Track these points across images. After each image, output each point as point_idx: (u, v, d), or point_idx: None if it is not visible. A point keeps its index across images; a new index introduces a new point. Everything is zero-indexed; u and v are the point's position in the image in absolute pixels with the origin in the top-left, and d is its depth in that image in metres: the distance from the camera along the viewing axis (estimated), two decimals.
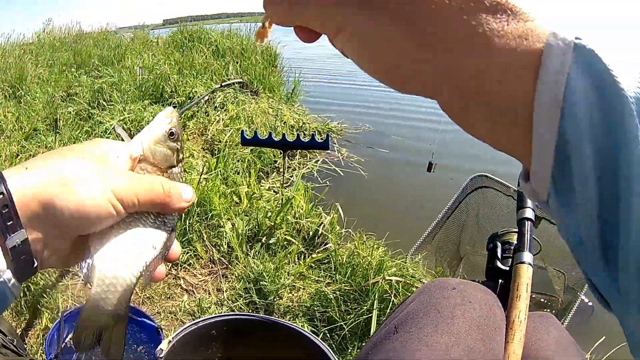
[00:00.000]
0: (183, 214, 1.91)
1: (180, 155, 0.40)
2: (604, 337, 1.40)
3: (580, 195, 0.22)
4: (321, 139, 2.02)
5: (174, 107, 3.66)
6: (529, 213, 0.82)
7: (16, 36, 6.48)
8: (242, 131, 2.11)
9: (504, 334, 0.53)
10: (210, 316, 1.03)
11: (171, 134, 0.38)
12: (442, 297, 0.53)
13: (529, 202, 0.84)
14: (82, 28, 7.22)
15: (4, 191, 0.29)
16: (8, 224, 0.29)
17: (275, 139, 2.07)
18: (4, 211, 0.29)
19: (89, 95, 3.87)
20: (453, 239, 1.69)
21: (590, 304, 1.54)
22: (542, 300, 1.51)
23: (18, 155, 2.90)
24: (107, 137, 2.91)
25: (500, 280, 0.77)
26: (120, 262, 0.35)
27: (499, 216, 1.62)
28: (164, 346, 0.92)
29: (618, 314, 0.23)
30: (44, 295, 1.47)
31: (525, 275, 0.68)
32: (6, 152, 2.90)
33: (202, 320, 1.01)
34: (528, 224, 0.80)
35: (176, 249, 0.39)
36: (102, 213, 0.33)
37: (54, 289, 1.53)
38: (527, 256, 0.72)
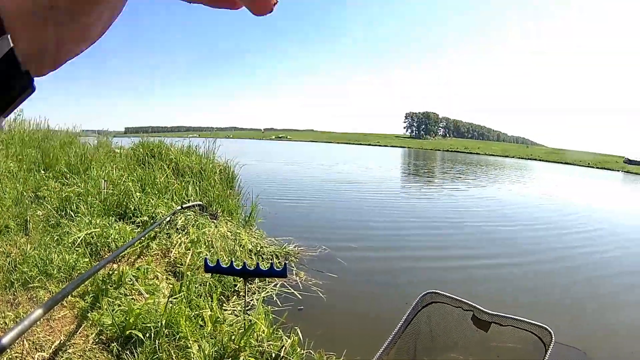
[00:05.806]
0: (152, 334, 2.08)
1: None
2: None
3: None
4: (279, 267, 2.38)
5: (137, 226, 3.84)
6: None
7: None
8: (206, 259, 2.44)
9: None
10: None
11: None
12: None
13: None
14: (49, 126, 7.99)
15: None
16: None
17: (236, 267, 2.41)
18: None
19: (57, 202, 4.03)
20: (408, 351, 1.78)
21: None
22: None
23: None
24: (76, 250, 3.02)
25: None
26: None
27: (451, 325, 1.75)
28: None
29: None
30: None
31: None
32: None
33: None
34: None
35: None
36: None
37: None
38: None
